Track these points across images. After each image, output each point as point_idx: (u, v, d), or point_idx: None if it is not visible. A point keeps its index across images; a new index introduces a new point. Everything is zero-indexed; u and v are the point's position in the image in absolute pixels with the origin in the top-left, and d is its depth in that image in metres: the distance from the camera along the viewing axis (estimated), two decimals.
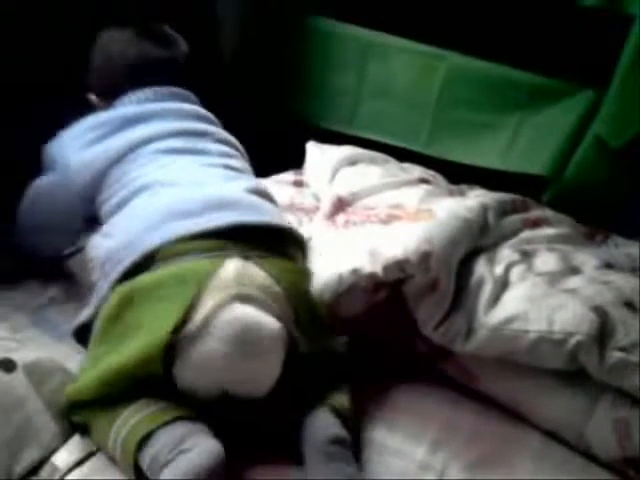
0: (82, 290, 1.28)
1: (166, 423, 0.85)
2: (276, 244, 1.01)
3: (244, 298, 0.89)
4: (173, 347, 0.87)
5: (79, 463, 0.92)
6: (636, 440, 0.96)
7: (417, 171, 1.48)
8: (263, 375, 0.92)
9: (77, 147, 1.09)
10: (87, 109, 1.18)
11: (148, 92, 1.15)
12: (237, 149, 1.20)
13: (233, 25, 1.73)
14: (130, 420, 0.87)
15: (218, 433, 0.88)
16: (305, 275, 1.05)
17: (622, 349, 0.97)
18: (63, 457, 0.92)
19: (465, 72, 1.58)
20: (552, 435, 1.05)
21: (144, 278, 0.92)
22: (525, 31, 1.50)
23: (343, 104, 1.72)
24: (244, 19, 1.74)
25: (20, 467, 0.88)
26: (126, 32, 1.19)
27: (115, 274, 0.95)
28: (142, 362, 0.87)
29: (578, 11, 1.39)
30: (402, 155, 1.60)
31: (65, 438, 0.94)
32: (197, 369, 0.89)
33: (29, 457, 0.89)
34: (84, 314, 1.00)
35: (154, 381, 0.89)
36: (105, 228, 1.04)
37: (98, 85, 1.20)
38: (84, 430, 0.94)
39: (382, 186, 1.33)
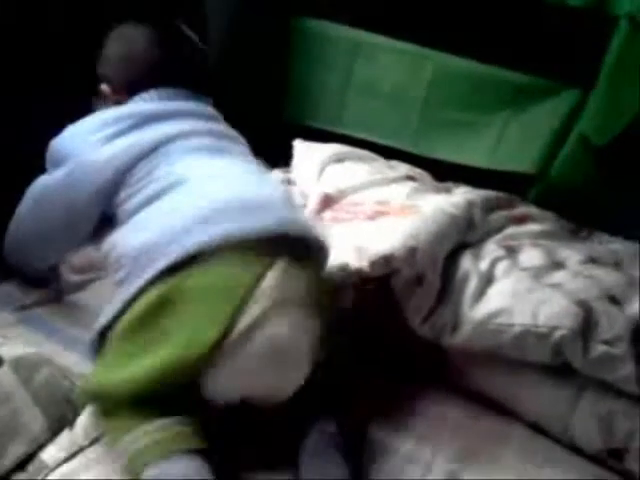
0: (70, 289, 1.30)
1: (174, 453, 0.85)
2: (307, 249, 1.00)
3: (282, 313, 0.89)
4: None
5: (67, 459, 0.92)
6: (619, 432, 0.98)
7: (403, 168, 1.50)
8: (289, 388, 0.93)
9: (94, 142, 1.04)
10: (83, 103, 1.17)
11: (169, 91, 1.12)
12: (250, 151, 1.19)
13: (221, 24, 1.73)
14: (142, 439, 0.86)
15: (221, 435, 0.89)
16: (329, 283, 1.05)
17: (606, 342, 0.99)
18: (51, 453, 0.92)
19: (452, 71, 1.59)
20: (538, 428, 1.06)
21: (189, 280, 0.89)
22: (511, 30, 1.50)
23: (330, 103, 1.72)
24: (232, 18, 1.75)
25: (7, 461, 0.88)
26: (147, 28, 1.16)
27: (156, 268, 0.91)
28: (181, 368, 0.86)
29: (564, 11, 1.41)
30: (389, 154, 1.61)
31: (53, 432, 0.94)
32: (229, 380, 0.89)
33: (16, 452, 0.89)
34: (110, 310, 0.95)
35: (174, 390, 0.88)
36: (134, 222, 1.00)
37: (116, 78, 1.15)
38: (73, 425, 0.95)
39: (369, 183, 1.34)
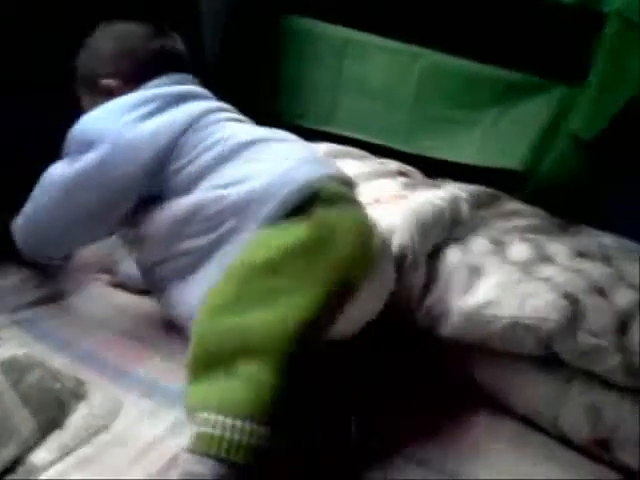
0: (64, 289, 1.30)
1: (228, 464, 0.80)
2: None
3: (387, 249, 1.06)
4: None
5: (57, 460, 0.91)
6: (606, 422, 0.98)
7: (394, 165, 1.50)
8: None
9: (129, 122, 1.04)
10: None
11: (176, 76, 1.15)
12: None
13: (213, 24, 1.74)
14: (221, 427, 0.80)
15: None
16: None
17: (593, 334, 0.99)
18: (41, 455, 0.91)
19: (441, 69, 1.60)
20: (528, 420, 1.06)
21: (321, 215, 0.94)
22: (500, 27, 1.51)
23: (321, 102, 1.73)
24: (222, 18, 1.75)
25: None
26: (134, 24, 1.19)
27: (276, 202, 0.95)
28: (346, 289, 0.91)
29: (554, 8, 1.41)
30: (380, 153, 1.61)
31: (43, 434, 0.93)
32: (374, 296, 0.99)
33: (6, 454, 0.88)
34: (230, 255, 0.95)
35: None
36: (219, 182, 1.01)
37: (120, 72, 1.16)
38: (63, 426, 0.95)
39: (360, 177, 1.34)
